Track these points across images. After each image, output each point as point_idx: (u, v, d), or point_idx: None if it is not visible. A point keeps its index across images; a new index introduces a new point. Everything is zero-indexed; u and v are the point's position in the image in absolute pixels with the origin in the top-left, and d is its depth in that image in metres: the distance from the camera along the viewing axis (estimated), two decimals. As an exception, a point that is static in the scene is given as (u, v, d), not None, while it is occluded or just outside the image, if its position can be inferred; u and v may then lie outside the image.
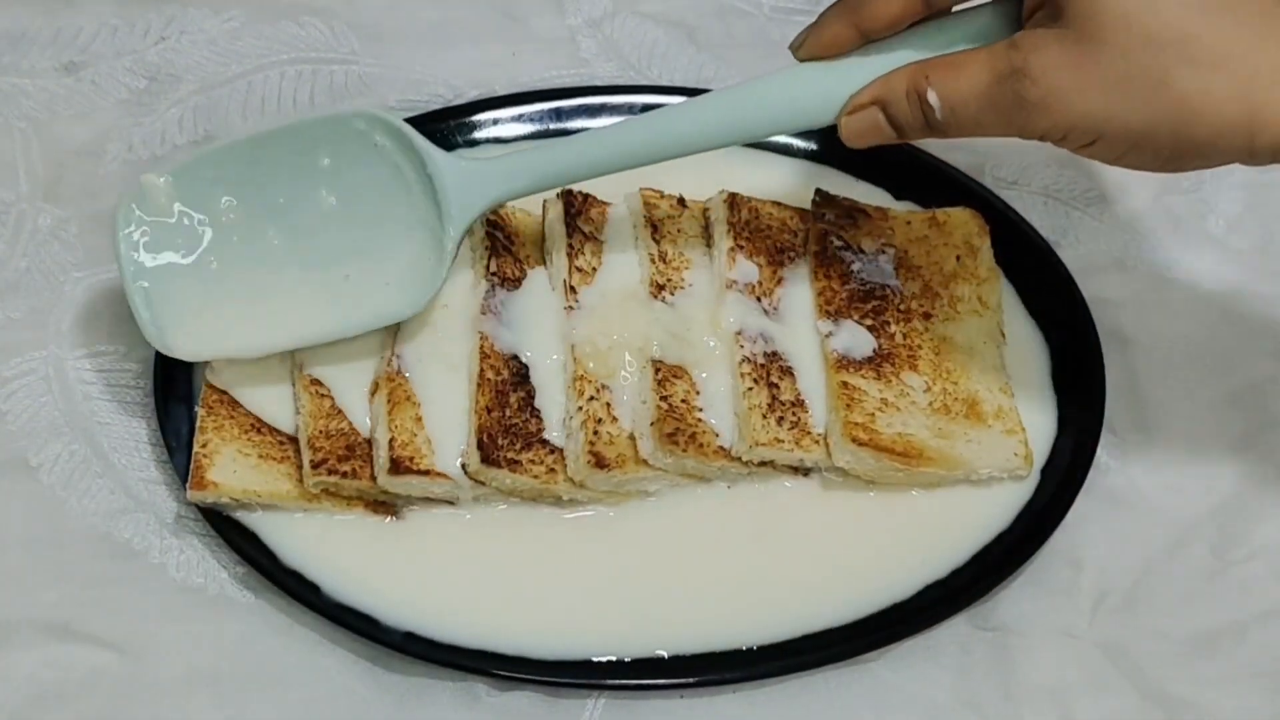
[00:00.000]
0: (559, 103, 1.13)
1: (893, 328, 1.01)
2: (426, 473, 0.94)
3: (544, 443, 0.96)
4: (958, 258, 1.05)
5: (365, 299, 0.96)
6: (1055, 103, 0.84)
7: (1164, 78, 0.82)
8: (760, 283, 1.02)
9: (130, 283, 0.96)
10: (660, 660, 0.93)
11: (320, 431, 0.96)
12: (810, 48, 0.92)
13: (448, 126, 1.12)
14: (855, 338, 1.00)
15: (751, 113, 0.93)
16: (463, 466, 0.95)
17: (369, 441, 0.96)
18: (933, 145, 1.12)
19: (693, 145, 0.94)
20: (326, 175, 0.97)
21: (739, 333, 0.99)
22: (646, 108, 1.12)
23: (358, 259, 0.97)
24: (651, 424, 0.95)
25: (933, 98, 0.87)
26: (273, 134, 0.97)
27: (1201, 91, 0.81)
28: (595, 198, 1.04)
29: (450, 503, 0.97)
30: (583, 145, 0.96)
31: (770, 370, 0.98)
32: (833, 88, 0.91)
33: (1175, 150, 0.84)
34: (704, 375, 0.98)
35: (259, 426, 0.98)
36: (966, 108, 0.87)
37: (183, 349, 0.96)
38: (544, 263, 1.02)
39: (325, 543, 0.95)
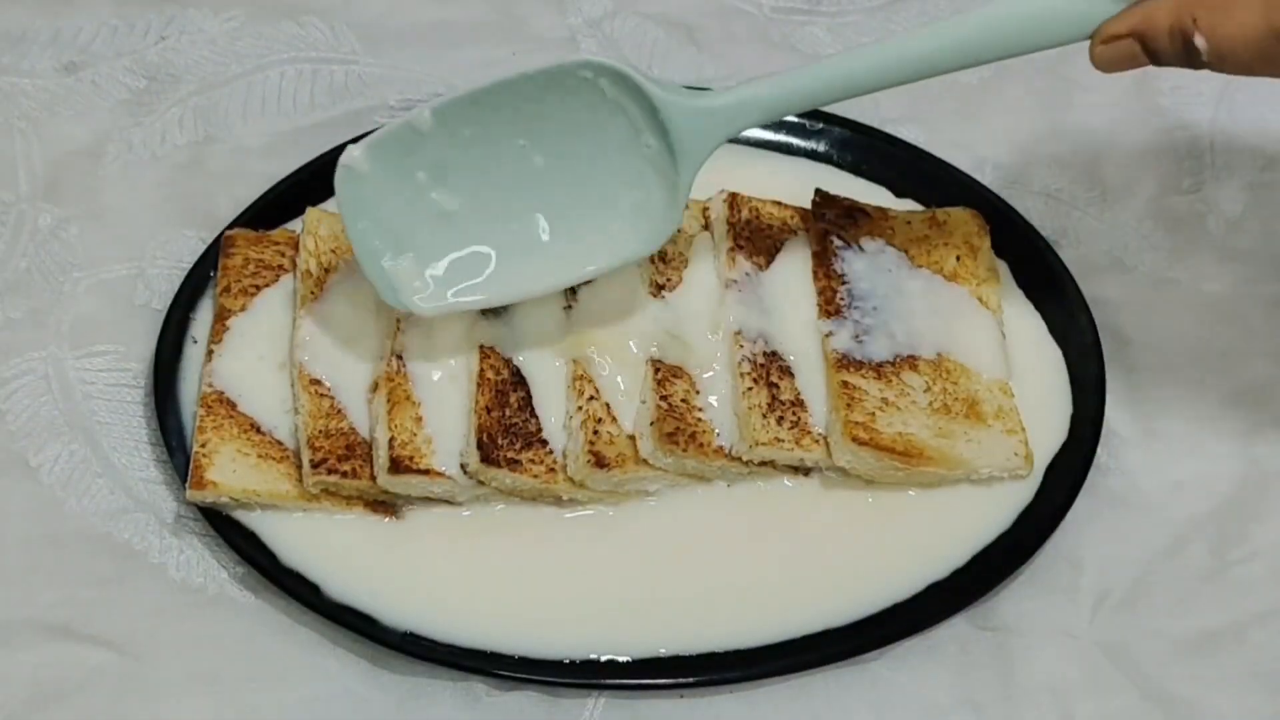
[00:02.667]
0: (559, 102, 1.13)
1: (893, 327, 1.01)
2: (426, 472, 0.94)
3: (544, 442, 0.96)
4: (958, 258, 1.05)
5: (599, 242, 0.95)
6: None
7: None
8: (760, 282, 1.02)
9: (359, 242, 0.95)
10: (660, 660, 0.93)
11: (320, 431, 0.96)
12: None
13: (448, 126, 1.12)
14: (855, 337, 1.00)
15: (995, 30, 0.89)
16: (462, 466, 0.95)
17: (369, 441, 0.96)
18: (932, 144, 1.13)
19: (933, 67, 0.91)
20: (554, 123, 0.94)
21: (738, 332, 0.99)
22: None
23: (589, 203, 0.95)
24: (651, 424, 0.95)
25: (1200, 41, 0.83)
26: (496, 86, 0.93)
27: None
28: (595, 198, 1.04)
29: (450, 502, 0.97)
30: (815, 72, 0.92)
31: (770, 370, 0.98)
32: (1087, 8, 0.87)
33: None
34: (704, 375, 0.98)
35: (258, 426, 0.98)
36: (1236, 55, 0.83)
37: (418, 304, 0.95)
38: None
39: (325, 543, 0.95)
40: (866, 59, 0.91)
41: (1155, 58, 0.86)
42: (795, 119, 1.12)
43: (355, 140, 0.95)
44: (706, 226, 1.04)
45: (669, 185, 0.93)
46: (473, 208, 0.96)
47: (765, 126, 1.12)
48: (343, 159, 0.94)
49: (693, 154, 0.93)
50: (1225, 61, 0.83)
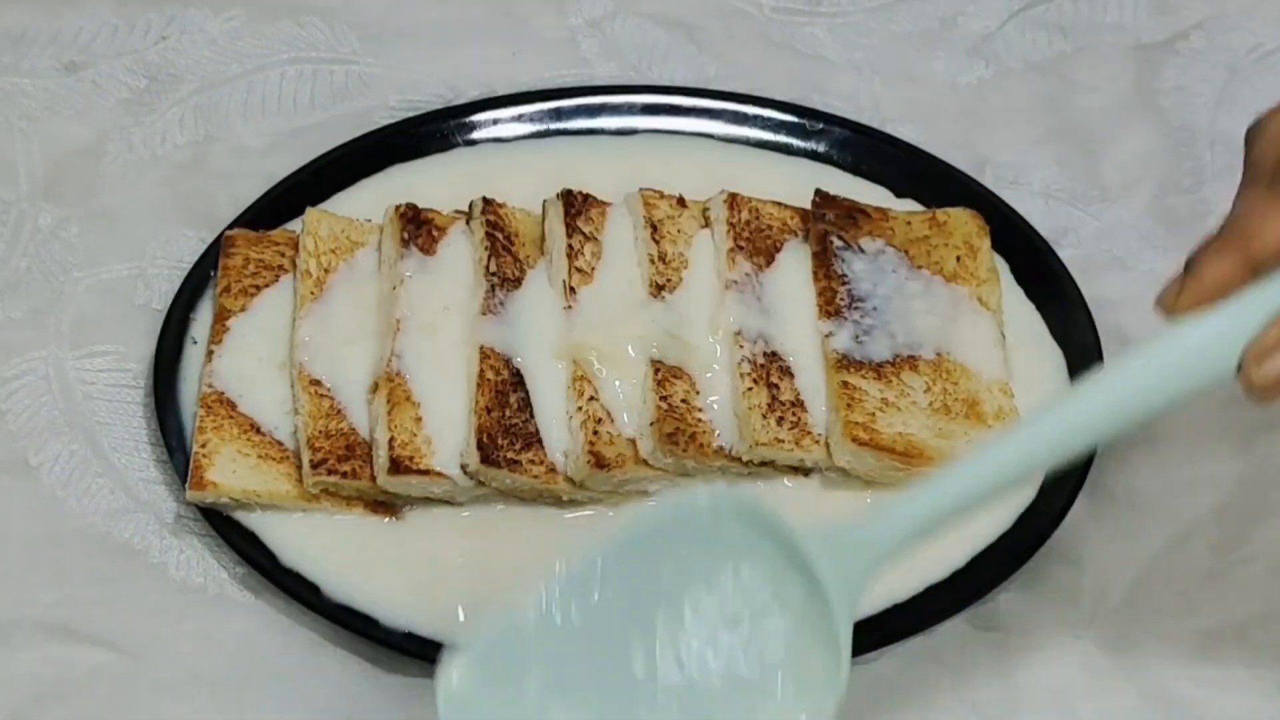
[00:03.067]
0: (559, 103, 1.13)
1: (893, 327, 1.01)
2: (426, 472, 0.94)
3: (543, 443, 0.96)
4: (958, 258, 1.05)
5: (757, 713, 0.77)
6: None
7: None
8: (760, 283, 1.02)
9: None
10: (660, 660, 0.92)
11: (320, 431, 0.96)
12: (1190, 299, 0.75)
13: (448, 126, 1.12)
14: (855, 337, 1.00)
15: (1135, 396, 0.77)
16: (463, 467, 0.95)
17: (369, 442, 0.96)
18: (932, 144, 1.13)
19: (1075, 447, 0.79)
20: (676, 583, 0.77)
21: (738, 333, 0.99)
22: (647, 108, 1.12)
23: (733, 671, 0.77)
24: (651, 424, 0.95)
25: None
26: (608, 549, 0.78)
27: None
28: (595, 198, 1.04)
29: (450, 503, 0.97)
30: (958, 481, 0.78)
31: (770, 370, 0.98)
32: (1227, 338, 0.75)
33: None
34: (704, 375, 0.98)
35: (258, 426, 0.97)
36: None
37: None
38: (544, 263, 1.02)
39: (325, 543, 0.95)
40: (1018, 448, 0.79)
41: None
42: (794, 119, 1.12)
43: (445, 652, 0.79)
44: (706, 227, 1.04)
45: (826, 641, 0.76)
46: (600, 697, 0.77)
47: (764, 127, 1.12)
48: (441, 681, 0.76)
49: (842, 595, 0.76)
50: None
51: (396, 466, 0.94)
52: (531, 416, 0.97)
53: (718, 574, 0.77)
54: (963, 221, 1.07)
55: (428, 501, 0.96)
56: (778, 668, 0.77)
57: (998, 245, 1.07)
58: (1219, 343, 0.75)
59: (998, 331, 1.03)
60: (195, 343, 1.01)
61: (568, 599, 0.77)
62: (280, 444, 0.97)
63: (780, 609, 0.77)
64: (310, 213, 1.04)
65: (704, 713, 0.76)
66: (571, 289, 1.00)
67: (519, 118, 1.13)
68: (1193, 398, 0.77)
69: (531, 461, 0.95)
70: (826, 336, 1.00)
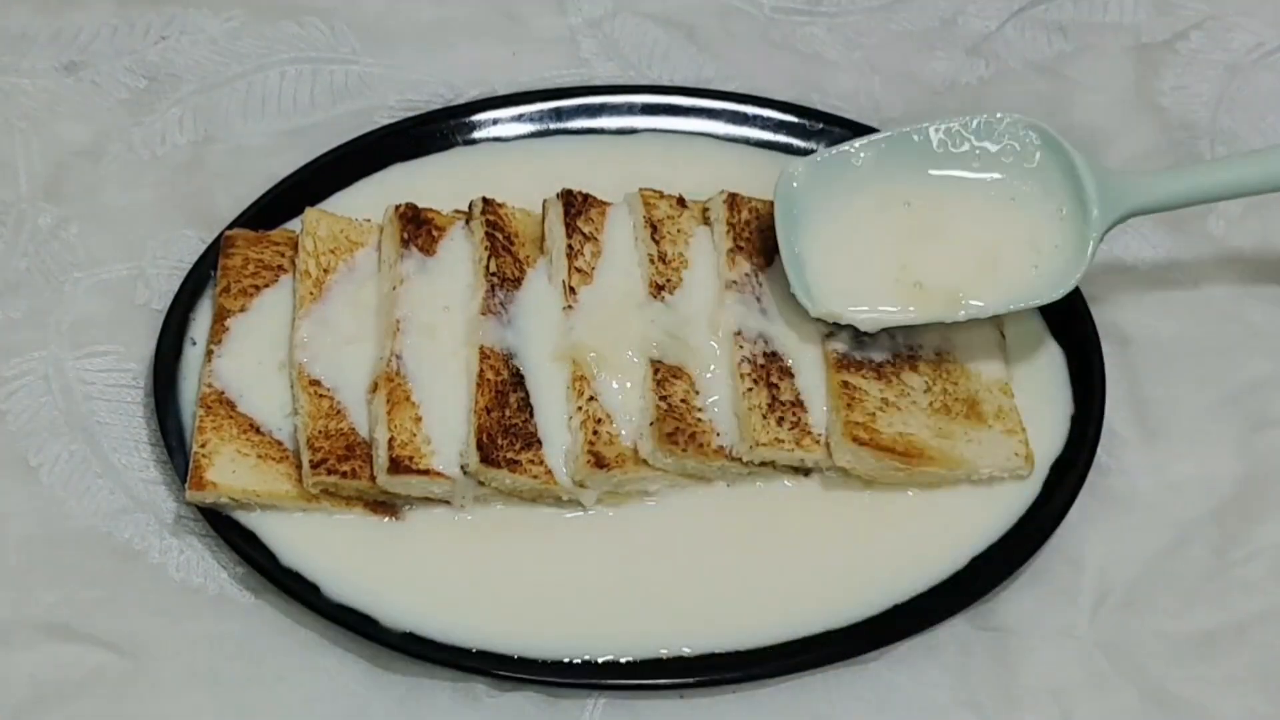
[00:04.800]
0: (559, 103, 1.13)
1: (893, 328, 1.01)
2: (426, 472, 0.94)
3: (543, 443, 0.96)
4: (958, 257, 1.05)
5: (1011, 281, 0.99)
6: None
7: None
8: (760, 283, 1.02)
9: (786, 245, 1.00)
10: (660, 660, 0.93)
11: (320, 431, 0.96)
12: None
13: (448, 126, 1.12)
14: (855, 337, 1.00)
15: None
16: (462, 467, 0.95)
17: (368, 442, 0.96)
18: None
19: None
20: (986, 161, 1.02)
21: (738, 333, 0.99)
22: (647, 108, 1.12)
23: (1009, 242, 1.00)
24: (651, 424, 0.95)
25: None
26: (932, 125, 1.02)
27: None
28: (595, 198, 1.04)
29: (449, 503, 0.97)
30: (1217, 170, 1.00)
31: (770, 370, 0.98)
32: None
33: None
34: (704, 375, 0.98)
35: (258, 426, 0.98)
36: None
37: (830, 310, 0.98)
38: (544, 263, 1.02)
39: (325, 543, 0.95)
40: (1268, 163, 0.99)
41: None
42: (794, 119, 1.12)
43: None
44: (706, 226, 1.04)
45: (1080, 240, 0.99)
46: (899, 225, 1.01)
47: (764, 127, 1.12)
48: (786, 169, 1.01)
49: (1102, 215, 0.99)
50: None
51: (396, 466, 0.94)
52: (531, 417, 0.97)
53: (1019, 165, 1.02)
54: (963, 221, 1.07)
55: (428, 501, 0.96)
56: (1045, 241, 1.00)
57: (998, 245, 1.07)
58: None
59: (998, 331, 1.03)
60: (195, 343, 1.01)
61: (896, 148, 1.02)
62: (280, 444, 0.97)
63: (1058, 209, 1.00)
64: (309, 213, 1.04)
65: (980, 239, 1.01)
66: (571, 289, 1.00)
67: (519, 117, 1.13)
68: None
69: (531, 461, 0.95)
70: (826, 336, 1.00)
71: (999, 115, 1.02)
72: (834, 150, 1.02)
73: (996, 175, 1.02)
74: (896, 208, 1.01)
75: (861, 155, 1.02)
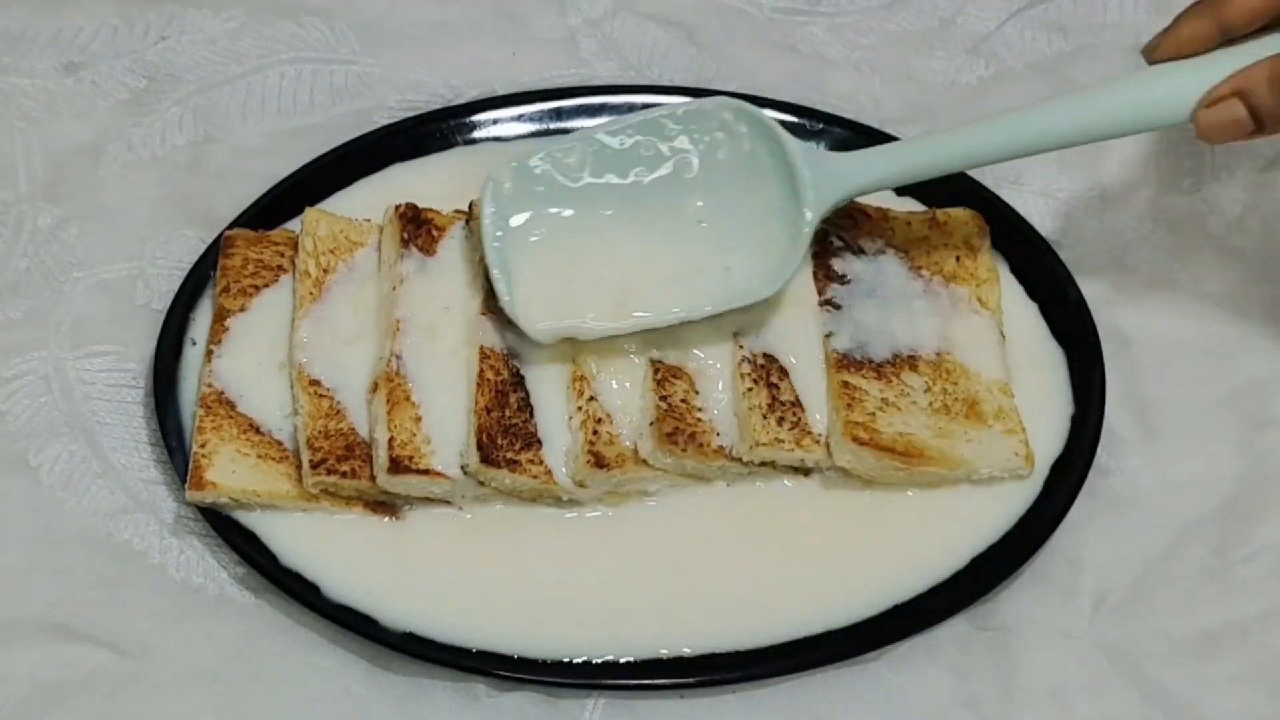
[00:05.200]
0: (559, 103, 1.13)
1: (893, 327, 1.01)
2: (426, 472, 0.94)
3: (543, 443, 0.96)
4: (957, 258, 1.05)
5: (725, 279, 0.97)
6: None
7: None
8: (760, 283, 1.02)
9: (492, 257, 0.97)
10: (660, 660, 0.93)
11: (319, 431, 0.96)
12: (1166, 48, 0.92)
13: (448, 126, 1.12)
14: (855, 337, 1.00)
15: (1105, 113, 0.94)
16: (462, 467, 0.95)
17: (368, 442, 0.96)
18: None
19: (1044, 144, 0.96)
20: (685, 161, 0.99)
21: (738, 333, 0.99)
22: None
23: (713, 242, 0.98)
24: (651, 424, 0.95)
25: None
26: (637, 120, 0.99)
27: None
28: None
29: (450, 503, 0.97)
30: (935, 144, 0.98)
31: (770, 370, 0.98)
32: (1189, 84, 0.92)
33: None
34: (703, 375, 0.98)
35: (258, 426, 0.98)
36: None
37: (537, 328, 0.96)
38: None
39: (325, 543, 0.95)
40: (991, 132, 0.96)
41: (1258, 116, 0.90)
42: (794, 119, 1.12)
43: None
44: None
45: (792, 230, 0.96)
46: (604, 239, 0.98)
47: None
48: (491, 173, 0.98)
49: (816, 203, 0.96)
50: None
51: (396, 466, 0.94)
52: (531, 416, 0.97)
53: (725, 159, 0.98)
54: (962, 222, 1.07)
55: (428, 501, 0.96)
56: (753, 237, 0.98)
57: (998, 245, 1.07)
58: (1182, 87, 0.92)
59: (998, 331, 1.03)
60: (195, 343, 1.01)
61: (613, 136, 0.98)
62: (280, 444, 0.97)
63: (766, 201, 0.97)
64: (309, 213, 1.04)
65: (690, 238, 0.98)
66: (571, 289, 1.00)
67: (519, 118, 1.13)
68: (1150, 128, 0.95)
69: (531, 461, 0.95)
70: (827, 336, 1.00)
71: (707, 102, 0.99)
72: (540, 155, 0.98)
73: (700, 171, 0.99)
74: (599, 214, 0.98)
75: (567, 159, 0.98)
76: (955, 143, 0.97)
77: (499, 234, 0.97)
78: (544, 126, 1.13)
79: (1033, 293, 1.07)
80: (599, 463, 0.95)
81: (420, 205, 1.03)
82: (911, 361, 1.00)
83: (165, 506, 0.98)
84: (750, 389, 0.97)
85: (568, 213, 0.98)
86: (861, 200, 1.06)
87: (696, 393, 0.98)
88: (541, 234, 0.98)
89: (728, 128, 0.98)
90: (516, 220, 0.98)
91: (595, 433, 0.96)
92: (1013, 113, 0.96)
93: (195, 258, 1.05)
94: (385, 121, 1.14)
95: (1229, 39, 0.92)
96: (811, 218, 0.96)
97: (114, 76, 1.17)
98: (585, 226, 0.98)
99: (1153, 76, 0.93)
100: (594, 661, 0.92)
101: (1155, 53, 0.93)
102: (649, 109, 1.00)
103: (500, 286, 0.96)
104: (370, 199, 1.07)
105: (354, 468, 0.95)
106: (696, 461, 0.96)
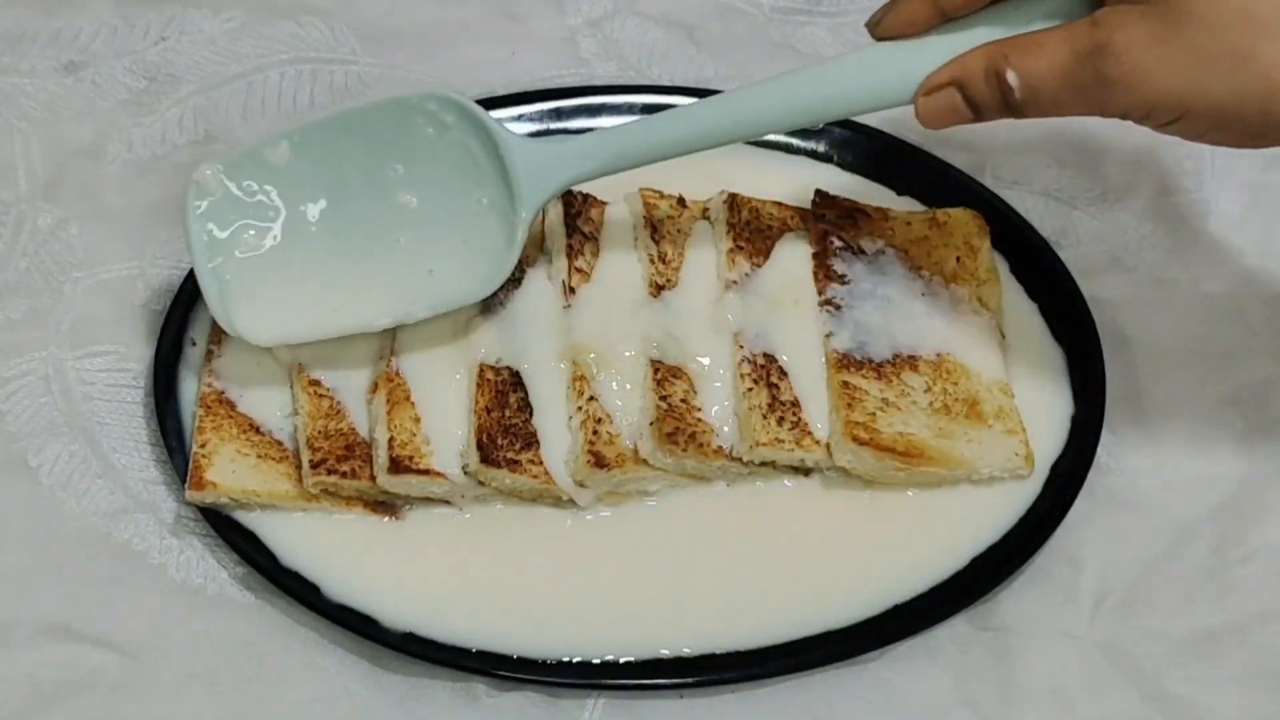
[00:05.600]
0: (559, 103, 1.13)
1: (893, 327, 1.01)
2: (426, 472, 0.94)
3: (543, 443, 0.96)
4: (957, 258, 1.05)
5: (435, 282, 0.96)
6: (1138, 80, 0.83)
7: (1251, 51, 0.81)
8: (760, 283, 1.02)
9: (200, 263, 0.95)
10: (660, 660, 0.93)
11: (319, 432, 0.96)
12: (888, 26, 0.91)
13: (447, 126, 1.12)
14: (855, 337, 1.00)
15: (825, 93, 0.92)
16: (463, 467, 0.95)
17: (368, 442, 0.96)
18: (934, 144, 1.12)
19: (766, 126, 0.94)
20: (395, 158, 0.96)
21: (738, 333, 0.99)
22: (647, 107, 1.12)
23: (427, 240, 0.96)
24: (651, 424, 0.95)
25: (1011, 77, 0.86)
26: (340, 117, 0.97)
27: None
28: (595, 198, 1.04)
29: (449, 503, 0.97)
30: (653, 127, 0.95)
31: (770, 370, 0.98)
32: (910, 67, 0.90)
33: (1263, 126, 0.83)
34: (703, 375, 0.98)
35: (258, 426, 0.98)
36: (1046, 87, 0.86)
37: (250, 332, 0.95)
38: (544, 262, 1.02)
39: (325, 543, 0.95)
40: (701, 117, 0.94)
41: (974, 105, 0.88)
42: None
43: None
44: (707, 224, 1.04)
45: (508, 226, 0.95)
46: (314, 240, 0.97)
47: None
48: (195, 176, 0.95)
49: (529, 197, 0.94)
50: (1038, 96, 0.86)
51: (396, 466, 0.94)
52: (531, 417, 0.97)
53: (436, 153, 0.95)
54: (963, 222, 1.07)
55: (428, 501, 0.96)
56: (465, 231, 0.95)
57: (998, 245, 1.07)
58: (904, 70, 0.90)
59: (998, 331, 1.03)
60: (195, 343, 1.01)
61: (313, 142, 0.96)
62: (280, 444, 0.97)
63: (479, 197, 0.95)
64: (309, 213, 1.04)
65: (399, 238, 0.96)
66: (571, 288, 1.00)
67: (519, 118, 1.13)
68: (872, 109, 0.92)
69: (531, 461, 0.95)
70: (827, 336, 1.00)
71: (412, 95, 0.95)
72: (246, 152, 0.96)
73: (404, 168, 0.96)
74: (306, 219, 0.97)
75: (273, 156, 0.96)
76: (675, 126, 0.94)
77: (205, 241, 0.95)
78: (544, 126, 1.13)
79: (1033, 293, 1.07)
80: (599, 463, 0.95)
81: (420, 205, 1.03)
82: (912, 361, 1.00)
83: (165, 506, 0.98)
84: (750, 389, 0.97)
85: (275, 218, 0.97)
86: (862, 200, 1.07)
87: (696, 393, 0.98)
88: (250, 240, 0.96)
89: (434, 120, 0.95)
90: (222, 231, 0.96)
91: (595, 433, 0.96)
92: (733, 94, 0.95)
93: (195, 258, 1.05)
94: (385, 122, 1.14)
95: (949, 19, 0.89)
96: (525, 216, 0.94)
97: (114, 76, 1.17)
98: (293, 232, 0.97)
99: (873, 56, 0.91)
100: (594, 661, 0.92)
101: (877, 29, 0.91)
102: (351, 105, 0.98)
103: (211, 296, 0.95)
104: (370, 199, 1.07)
105: (354, 468, 0.95)
106: (696, 461, 0.96)
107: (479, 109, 0.95)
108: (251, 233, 0.96)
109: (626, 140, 0.95)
